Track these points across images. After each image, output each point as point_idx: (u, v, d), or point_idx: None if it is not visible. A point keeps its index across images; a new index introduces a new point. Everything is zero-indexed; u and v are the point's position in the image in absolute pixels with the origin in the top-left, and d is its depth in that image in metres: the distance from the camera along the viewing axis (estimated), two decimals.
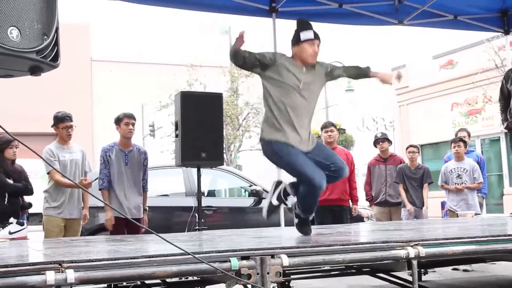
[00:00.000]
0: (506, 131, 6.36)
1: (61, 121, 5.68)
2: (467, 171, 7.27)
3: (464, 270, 6.78)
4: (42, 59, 2.25)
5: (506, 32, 7.79)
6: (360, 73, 4.36)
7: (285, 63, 3.97)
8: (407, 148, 7.71)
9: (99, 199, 3.93)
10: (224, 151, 9.57)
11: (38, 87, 22.31)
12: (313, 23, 7.92)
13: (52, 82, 21.06)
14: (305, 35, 4.02)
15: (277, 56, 4.02)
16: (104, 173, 5.78)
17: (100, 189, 5.75)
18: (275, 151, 3.93)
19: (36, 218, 7.56)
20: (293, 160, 3.86)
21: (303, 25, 4.09)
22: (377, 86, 28.28)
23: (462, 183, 7.23)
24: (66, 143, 5.76)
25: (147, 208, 6.05)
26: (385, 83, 4.31)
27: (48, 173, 5.60)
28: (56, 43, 2.32)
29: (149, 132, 27.30)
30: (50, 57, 2.29)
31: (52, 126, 5.76)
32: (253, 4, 6.92)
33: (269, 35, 7.10)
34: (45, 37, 2.24)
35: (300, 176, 3.89)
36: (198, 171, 6.22)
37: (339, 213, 6.69)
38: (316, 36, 4.06)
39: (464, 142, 7.43)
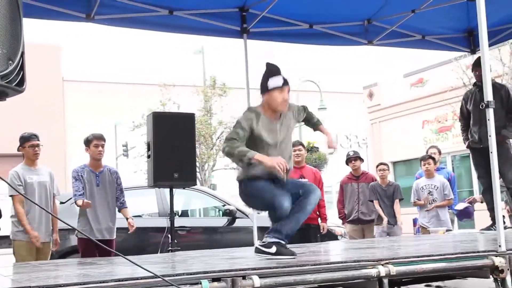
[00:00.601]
0: None
1: (28, 140, 5.56)
2: (437, 188, 7.38)
3: (437, 287, 6.84)
4: (7, 84, 2.22)
5: (473, 52, 7.97)
6: (314, 126, 4.58)
7: (260, 125, 3.92)
8: (377, 166, 7.81)
9: (67, 223, 3.82)
10: (198, 170, 9.47)
11: (9, 107, 22.00)
12: (284, 44, 8.03)
13: (23, 102, 20.77)
14: (273, 82, 3.94)
15: (253, 124, 3.92)
16: (76, 187, 5.64)
17: (75, 201, 5.65)
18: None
19: (5, 242, 7.40)
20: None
21: (271, 71, 4.01)
22: (349, 104, 28.43)
23: (433, 200, 7.34)
24: (34, 164, 5.63)
25: (132, 217, 5.96)
26: (329, 146, 4.43)
27: (10, 196, 5.46)
28: (22, 68, 2.29)
29: (122, 152, 27.08)
30: (16, 82, 2.26)
31: (18, 148, 5.61)
32: (224, 25, 6.96)
33: (241, 55, 7.16)
34: (10, 62, 2.22)
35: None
36: (171, 192, 6.18)
37: (306, 231, 6.68)
38: (285, 82, 3.97)
39: (433, 159, 7.55)
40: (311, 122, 4.53)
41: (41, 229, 5.52)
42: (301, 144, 7.11)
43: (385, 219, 7.32)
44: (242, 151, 3.78)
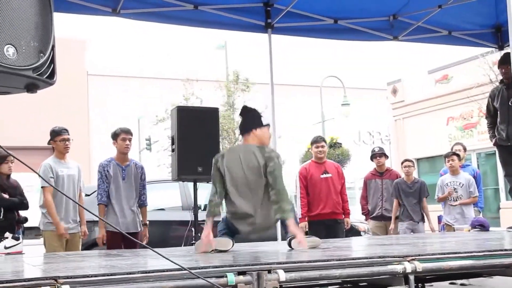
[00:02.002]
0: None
1: (59, 134, 5.68)
2: (463, 185, 7.29)
3: (462, 285, 6.77)
4: (38, 76, 2.26)
5: (500, 48, 7.86)
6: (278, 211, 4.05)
7: None
8: (402, 163, 7.73)
9: (94, 214, 3.87)
10: None
11: (34, 101, 22.31)
12: (308, 39, 8.01)
13: (48, 96, 21.05)
14: (265, 119, 4.29)
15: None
16: (102, 188, 5.76)
17: (98, 204, 5.74)
18: None
19: (32, 232, 7.51)
20: None
21: (256, 111, 4.35)
22: (373, 101, 28.21)
23: (458, 197, 7.26)
24: (64, 157, 5.75)
25: (147, 222, 6.01)
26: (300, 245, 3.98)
27: (42, 187, 5.56)
28: (52, 61, 2.32)
29: (145, 146, 27.30)
30: (46, 74, 2.30)
31: (49, 141, 5.73)
32: (249, 20, 6.97)
33: (264, 50, 7.17)
34: (42, 54, 2.25)
35: None
36: (195, 185, 6.21)
37: (333, 227, 6.70)
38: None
39: (458, 155, 7.46)
40: (279, 210, 4.07)
41: (68, 219, 5.62)
42: (324, 140, 7.11)
43: (393, 218, 7.33)
44: None
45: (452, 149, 7.86)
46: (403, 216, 7.37)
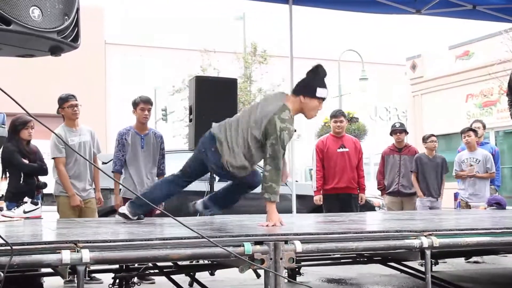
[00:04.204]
0: None
1: (66, 100, 5.63)
2: (479, 161, 7.25)
3: (475, 262, 6.77)
4: (63, 39, 2.25)
5: None
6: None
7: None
8: (428, 137, 7.63)
9: (114, 179, 3.91)
10: None
11: (53, 68, 22.42)
12: (329, 10, 7.87)
13: (66, 64, 21.13)
14: (321, 92, 3.78)
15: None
16: (117, 157, 5.78)
17: (112, 172, 5.78)
18: None
19: (50, 198, 7.57)
20: None
21: (321, 80, 3.82)
22: (391, 76, 27.86)
23: (475, 173, 7.22)
24: (74, 125, 5.70)
25: None
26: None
27: (53, 159, 5.58)
28: (77, 24, 2.32)
29: (161, 116, 27.39)
30: (71, 38, 2.29)
31: (58, 110, 5.68)
32: None
33: (282, 22, 7.08)
34: (66, 17, 2.24)
35: None
36: None
37: (347, 201, 6.70)
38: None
39: (475, 131, 7.40)
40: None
41: (82, 186, 5.67)
42: (343, 114, 7.05)
43: (420, 193, 7.25)
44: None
45: (471, 126, 7.77)
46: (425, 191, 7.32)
